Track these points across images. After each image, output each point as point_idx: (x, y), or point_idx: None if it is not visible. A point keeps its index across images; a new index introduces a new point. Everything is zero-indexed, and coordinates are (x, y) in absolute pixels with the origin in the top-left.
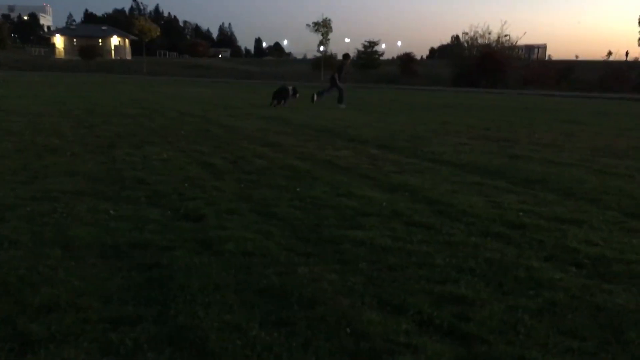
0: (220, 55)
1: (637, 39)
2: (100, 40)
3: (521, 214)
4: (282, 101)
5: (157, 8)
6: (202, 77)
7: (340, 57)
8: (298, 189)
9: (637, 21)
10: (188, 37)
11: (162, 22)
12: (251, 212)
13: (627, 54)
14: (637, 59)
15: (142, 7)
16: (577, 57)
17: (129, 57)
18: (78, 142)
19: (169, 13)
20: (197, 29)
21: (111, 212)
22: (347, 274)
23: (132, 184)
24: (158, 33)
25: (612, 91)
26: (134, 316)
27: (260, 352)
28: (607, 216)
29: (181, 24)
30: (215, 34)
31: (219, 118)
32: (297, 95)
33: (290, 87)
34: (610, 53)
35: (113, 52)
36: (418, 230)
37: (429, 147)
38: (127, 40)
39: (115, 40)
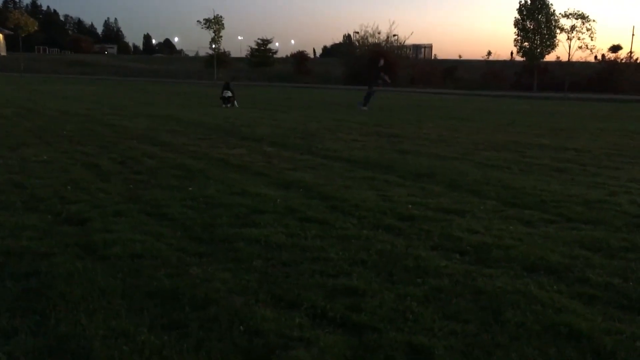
0: (106, 52)
1: (512, 39)
2: None
3: (410, 206)
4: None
5: (34, 1)
6: (87, 75)
7: (232, 54)
8: (191, 189)
9: (513, 23)
10: (70, 32)
11: (41, 16)
12: (140, 214)
13: (512, 54)
14: (514, 59)
15: (17, 0)
16: (460, 56)
17: (3, 53)
18: None
19: (48, 6)
20: (79, 23)
21: None
22: (241, 272)
23: (7, 188)
24: (36, 27)
25: (492, 89)
26: (9, 328)
27: (149, 356)
28: (488, 206)
29: (62, 18)
30: (100, 29)
31: (105, 117)
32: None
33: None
34: (489, 53)
35: None
36: (312, 225)
37: (323, 144)
38: (1, 35)
39: None
